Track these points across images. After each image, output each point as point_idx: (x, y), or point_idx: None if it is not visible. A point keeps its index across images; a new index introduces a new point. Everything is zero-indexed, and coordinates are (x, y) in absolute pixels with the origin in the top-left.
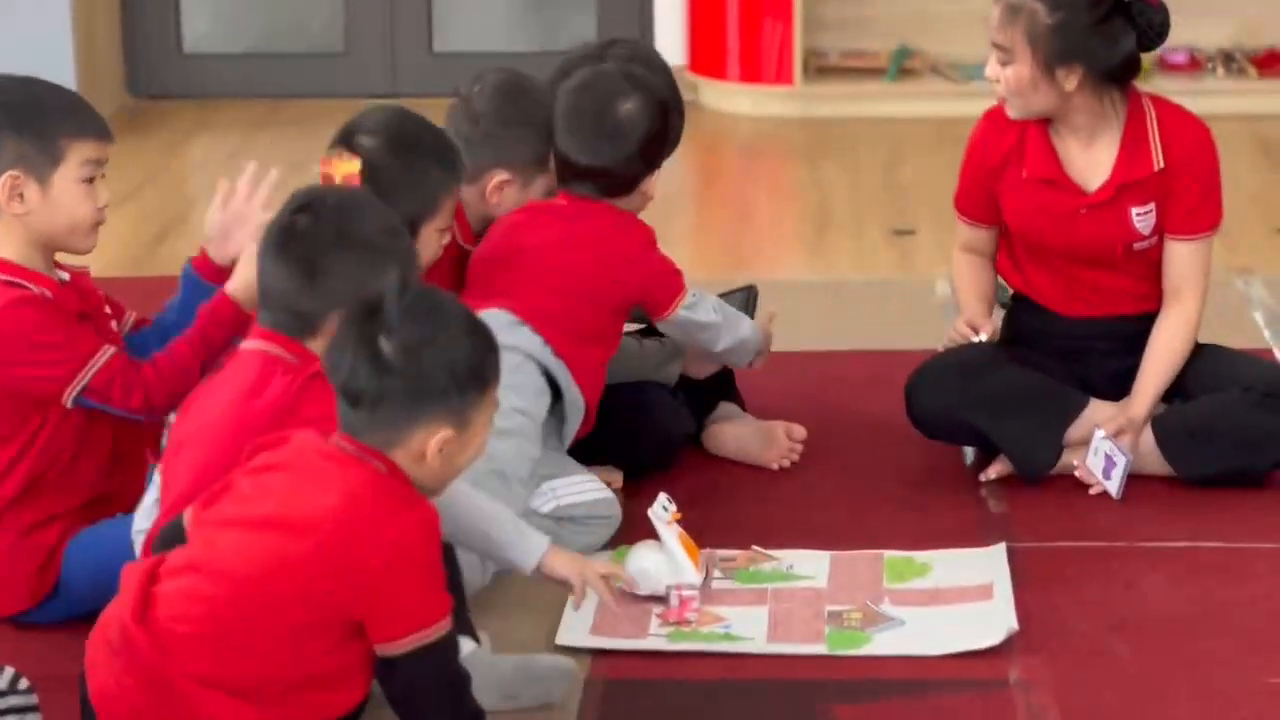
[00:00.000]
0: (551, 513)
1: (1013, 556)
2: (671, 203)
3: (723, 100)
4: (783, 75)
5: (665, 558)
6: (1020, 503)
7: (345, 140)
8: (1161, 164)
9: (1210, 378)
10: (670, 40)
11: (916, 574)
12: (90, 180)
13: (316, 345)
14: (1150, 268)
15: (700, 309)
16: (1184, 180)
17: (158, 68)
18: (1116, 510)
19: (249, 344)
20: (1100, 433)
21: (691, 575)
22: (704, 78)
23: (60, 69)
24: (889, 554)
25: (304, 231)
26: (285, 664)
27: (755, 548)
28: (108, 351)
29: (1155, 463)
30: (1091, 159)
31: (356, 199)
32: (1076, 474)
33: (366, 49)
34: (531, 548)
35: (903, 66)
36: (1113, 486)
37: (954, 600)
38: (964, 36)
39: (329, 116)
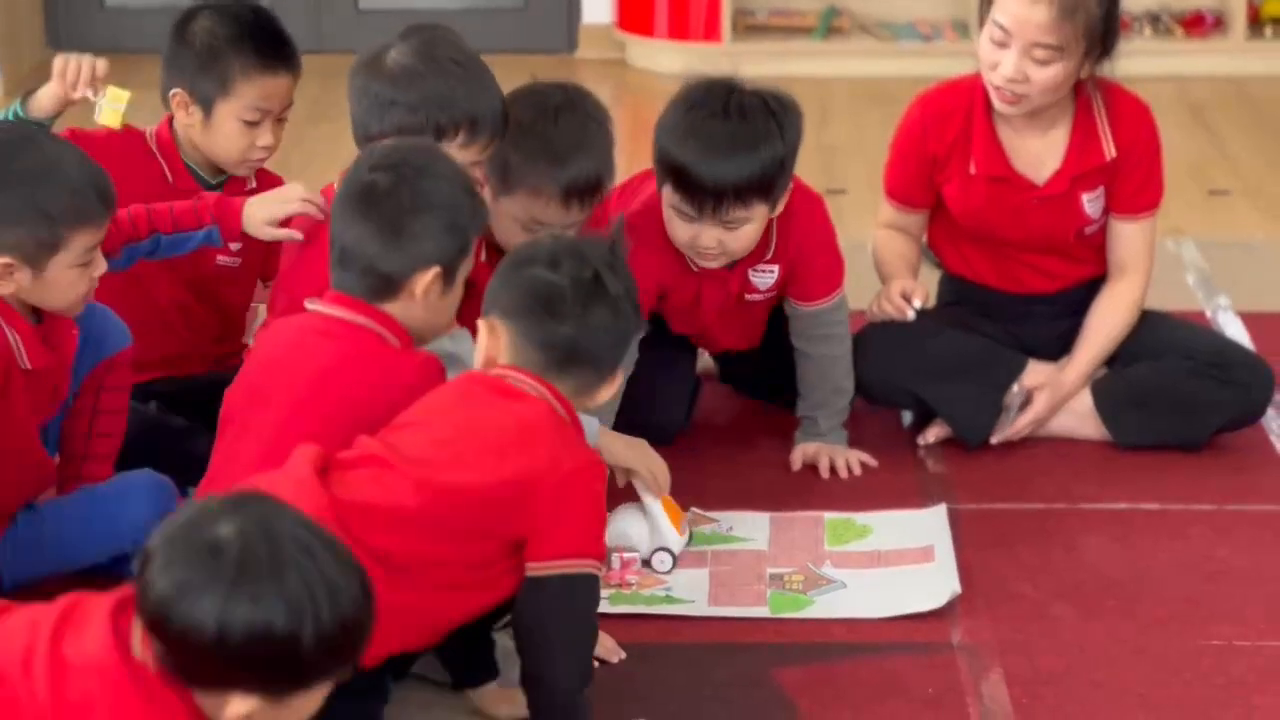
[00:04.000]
0: None
1: (952, 518)
2: None
3: (650, 58)
4: (711, 33)
5: (648, 522)
6: (959, 465)
7: None
8: (1114, 153)
9: (1149, 345)
10: (599, 0)
11: (857, 536)
12: (86, 263)
13: (395, 308)
14: (1097, 250)
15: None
16: (1130, 163)
17: (78, 21)
18: (1055, 472)
19: (330, 310)
20: (1015, 387)
21: (674, 540)
22: (631, 35)
23: None
24: (829, 515)
25: (386, 190)
26: (446, 555)
27: (694, 509)
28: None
29: (1093, 428)
30: (1042, 149)
31: (433, 155)
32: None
33: (292, 4)
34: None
35: (831, 25)
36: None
37: (895, 563)
38: None
39: None
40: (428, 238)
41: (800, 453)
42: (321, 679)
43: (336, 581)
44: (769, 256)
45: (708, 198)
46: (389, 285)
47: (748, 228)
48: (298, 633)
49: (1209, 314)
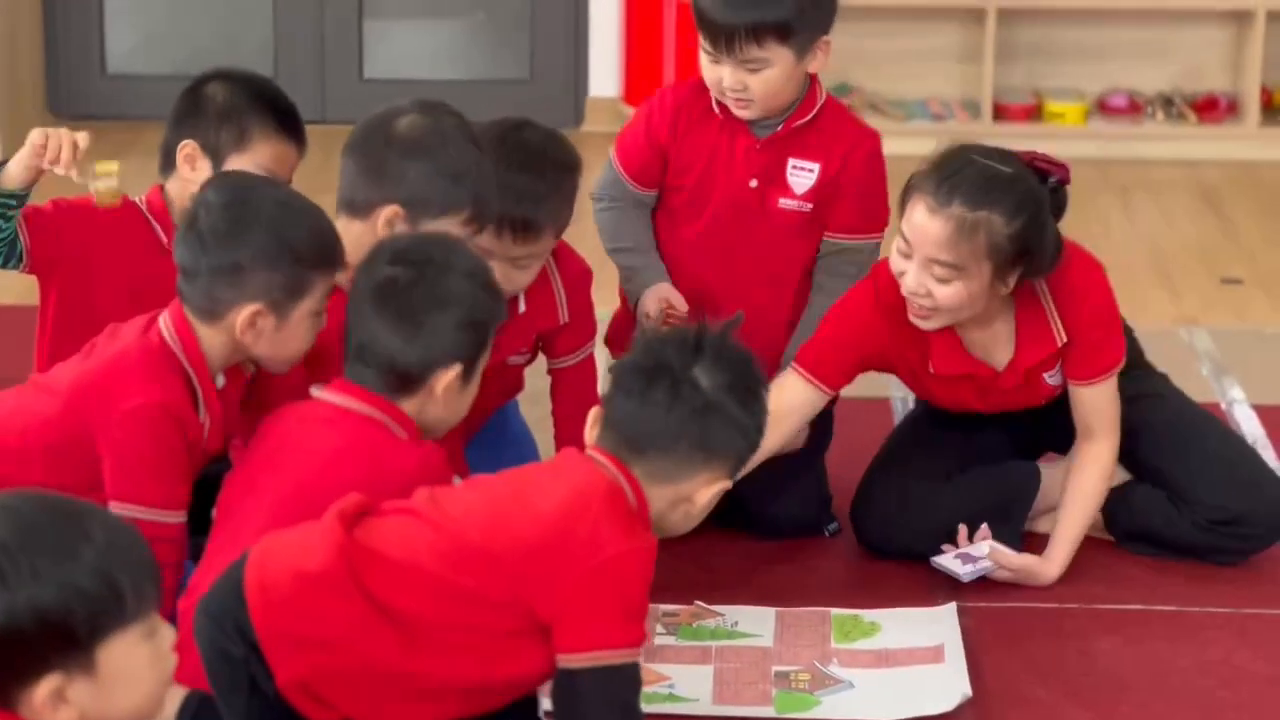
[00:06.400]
0: None
1: (963, 617)
2: None
3: None
4: None
5: None
6: None
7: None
8: (1064, 338)
9: (1164, 463)
10: (605, 70)
11: (865, 634)
12: (319, 312)
13: (411, 404)
14: None
15: None
16: (1083, 341)
17: (80, 88)
18: (1068, 571)
19: (337, 399)
20: (987, 547)
21: None
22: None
23: None
24: (836, 612)
25: (405, 287)
26: (460, 619)
27: (698, 603)
28: (178, 518)
29: (1100, 532)
30: (990, 342)
31: (453, 249)
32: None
33: (296, 73)
34: None
35: None
36: (962, 571)
37: (904, 662)
38: (902, 73)
39: None
40: (448, 335)
41: None
42: None
43: None
44: (808, 148)
45: (720, 33)
46: (408, 383)
47: (769, 72)
48: None
49: (1223, 406)
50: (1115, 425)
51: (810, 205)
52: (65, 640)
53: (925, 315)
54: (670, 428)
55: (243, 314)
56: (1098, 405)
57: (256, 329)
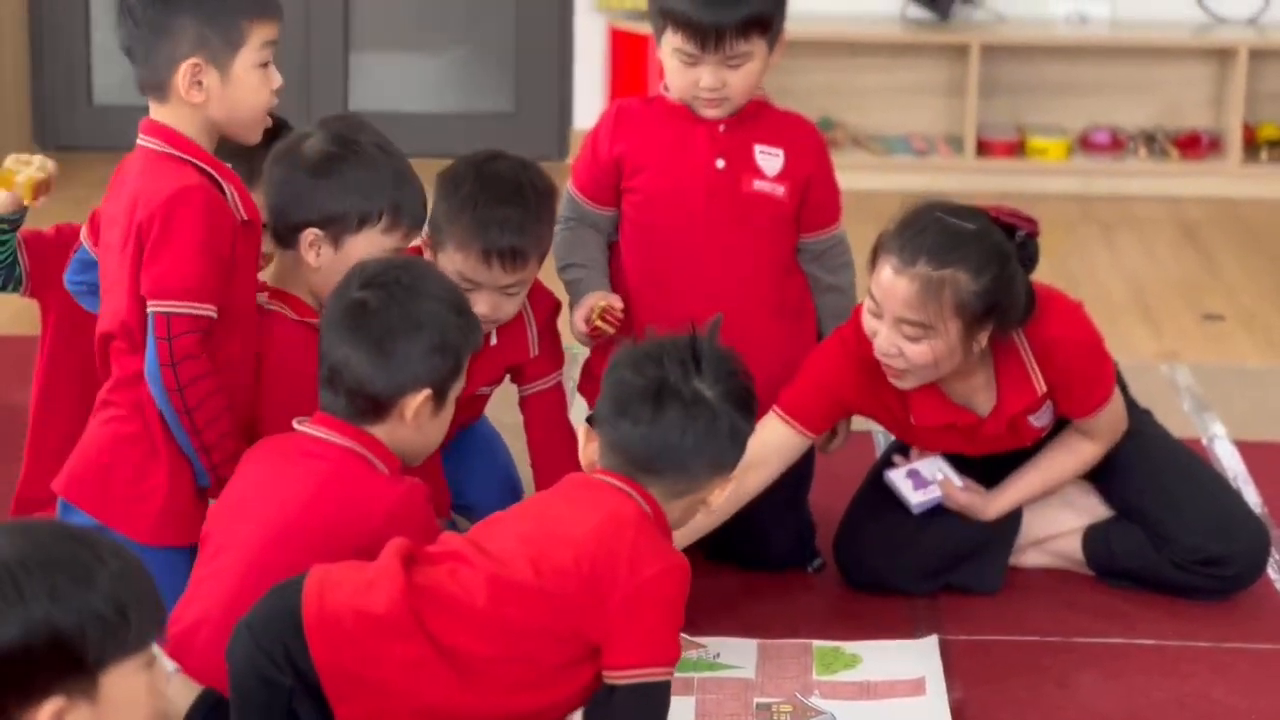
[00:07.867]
0: None
1: (943, 650)
2: None
3: None
4: None
5: None
6: (950, 594)
7: None
8: (1044, 388)
9: (1144, 494)
10: (590, 103)
11: (846, 666)
12: (266, 64)
13: (383, 430)
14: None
15: None
16: (1066, 388)
17: (67, 119)
18: (1049, 604)
19: (317, 432)
20: (940, 463)
21: None
22: None
23: None
24: (818, 644)
25: (376, 310)
26: (517, 653)
27: (682, 635)
28: (210, 311)
29: (1080, 567)
30: (970, 391)
31: (423, 273)
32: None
33: (281, 105)
34: None
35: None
36: (913, 500)
37: (885, 695)
38: (886, 109)
39: None
40: (418, 359)
41: None
42: None
43: None
44: (767, 134)
45: (710, 32)
46: (377, 408)
47: (750, 65)
48: None
49: (1204, 441)
50: (1111, 434)
51: (783, 189)
52: (73, 663)
53: (900, 375)
54: (686, 448)
55: (182, 70)
56: (1099, 426)
57: (203, 87)
